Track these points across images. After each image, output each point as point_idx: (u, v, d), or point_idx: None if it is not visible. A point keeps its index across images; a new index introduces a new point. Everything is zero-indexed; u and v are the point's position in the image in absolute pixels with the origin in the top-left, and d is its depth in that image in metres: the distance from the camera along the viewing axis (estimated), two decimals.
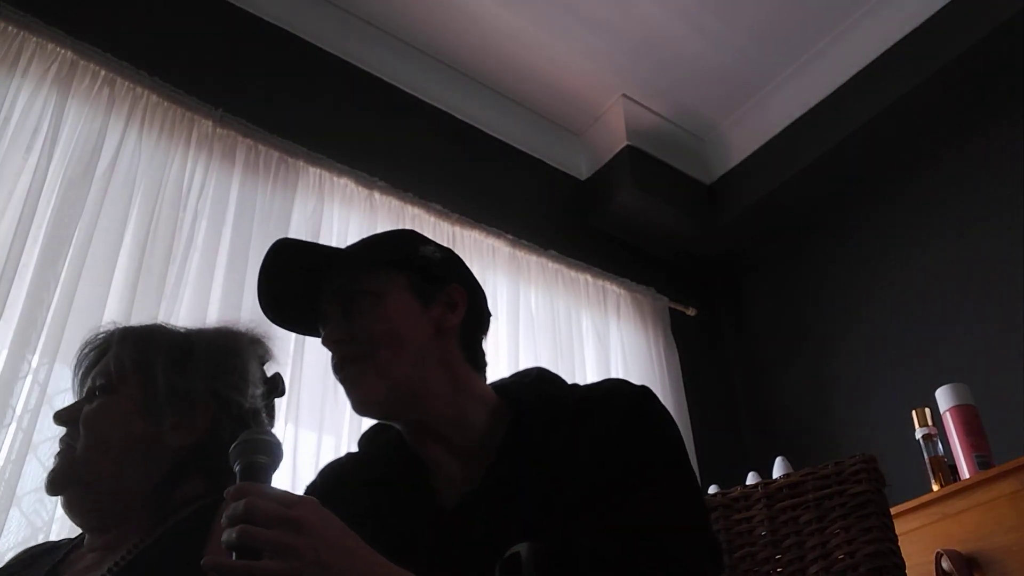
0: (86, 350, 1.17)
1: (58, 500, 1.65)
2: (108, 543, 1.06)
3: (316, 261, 1.05)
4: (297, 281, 1.05)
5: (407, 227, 2.52)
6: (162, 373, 1.10)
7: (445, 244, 2.73)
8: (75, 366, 1.17)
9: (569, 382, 1.08)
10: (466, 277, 1.10)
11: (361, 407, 1.01)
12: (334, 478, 1.08)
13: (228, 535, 0.74)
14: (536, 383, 1.06)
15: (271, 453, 0.83)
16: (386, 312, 1.01)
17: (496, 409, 1.02)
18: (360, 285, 1.03)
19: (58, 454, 1.10)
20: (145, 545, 1.02)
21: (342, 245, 1.29)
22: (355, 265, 1.05)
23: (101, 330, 1.19)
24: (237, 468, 0.82)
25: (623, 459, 0.90)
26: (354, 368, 1.00)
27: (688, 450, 0.94)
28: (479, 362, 1.08)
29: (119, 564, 1.00)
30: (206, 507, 1.03)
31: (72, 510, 1.08)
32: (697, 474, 2.65)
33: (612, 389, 1.00)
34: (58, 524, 1.66)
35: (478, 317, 1.09)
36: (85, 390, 1.12)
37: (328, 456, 2.06)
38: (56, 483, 1.07)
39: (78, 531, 1.18)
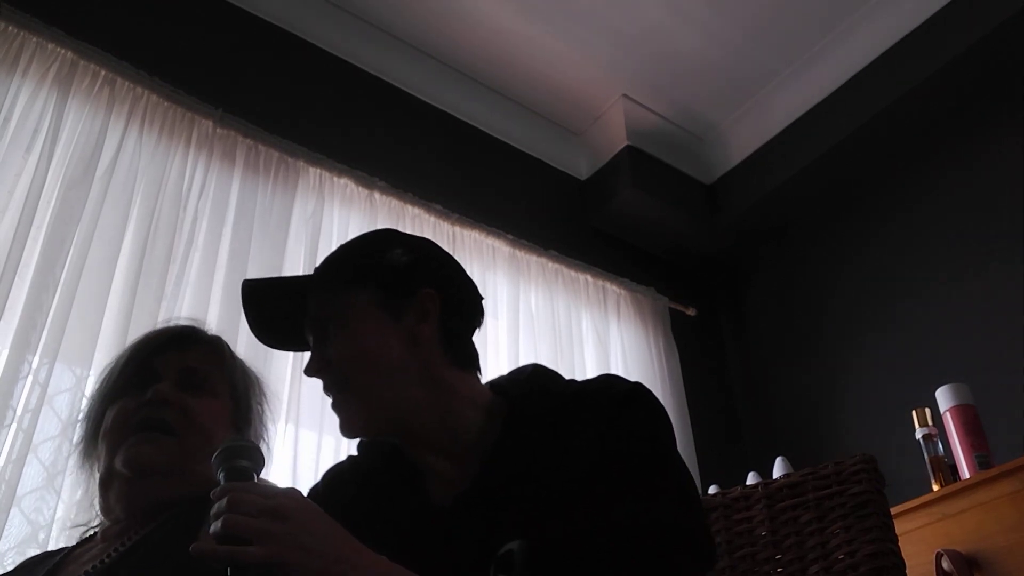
0: (164, 336, 1.20)
1: (58, 500, 1.66)
2: (118, 532, 1.09)
3: (288, 290, 1.07)
4: (281, 308, 1.06)
5: (406, 227, 2.52)
6: (256, 407, 1.21)
7: (445, 244, 2.70)
8: (145, 344, 1.19)
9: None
10: (439, 276, 1.06)
11: (348, 434, 1.02)
12: (335, 481, 1.09)
13: (214, 527, 0.78)
14: (531, 379, 1.05)
15: (251, 457, 0.88)
16: (355, 335, 1.00)
17: (490, 407, 1.02)
18: (327, 310, 1.02)
19: (154, 437, 1.09)
20: (139, 536, 1.05)
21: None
22: (322, 289, 1.04)
23: (184, 321, 1.26)
24: (221, 475, 0.86)
25: (614, 455, 0.91)
26: (337, 397, 1.01)
27: (688, 450, 0.95)
28: (467, 359, 1.05)
29: (118, 550, 1.04)
30: (197, 500, 1.04)
31: (126, 496, 1.09)
32: (696, 473, 2.66)
33: (605, 385, 1.00)
34: (58, 524, 1.66)
35: (459, 314, 1.05)
36: (176, 371, 1.14)
37: (328, 456, 2.06)
38: (156, 469, 1.09)
39: (76, 534, 1.20)
